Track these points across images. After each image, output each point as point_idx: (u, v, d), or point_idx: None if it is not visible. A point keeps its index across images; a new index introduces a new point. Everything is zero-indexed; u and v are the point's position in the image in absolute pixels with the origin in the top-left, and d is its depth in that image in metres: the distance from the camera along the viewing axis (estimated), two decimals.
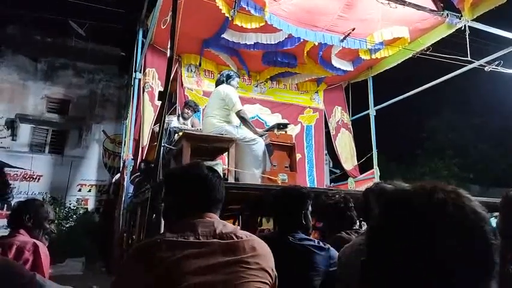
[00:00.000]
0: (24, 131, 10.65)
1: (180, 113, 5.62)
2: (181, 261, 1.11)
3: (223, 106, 4.50)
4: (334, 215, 2.34)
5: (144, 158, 6.08)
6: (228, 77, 4.76)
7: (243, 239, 1.23)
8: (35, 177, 10.32)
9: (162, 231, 2.94)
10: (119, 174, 8.06)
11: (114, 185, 8.88)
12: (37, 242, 1.96)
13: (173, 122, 5.30)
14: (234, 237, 1.22)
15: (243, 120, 4.58)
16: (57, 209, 9.43)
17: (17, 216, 2.07)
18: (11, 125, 10.44)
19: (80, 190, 10.78)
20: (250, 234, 1.30)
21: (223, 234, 1.22)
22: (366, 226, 2.31)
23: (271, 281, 1.23)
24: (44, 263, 1.91)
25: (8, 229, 2.09)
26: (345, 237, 2.12)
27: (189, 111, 5.51)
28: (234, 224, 4.43)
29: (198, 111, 5.87)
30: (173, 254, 1.11)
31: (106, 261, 7.68)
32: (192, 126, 5.52)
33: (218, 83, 4.82)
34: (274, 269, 1.26)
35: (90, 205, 10.75)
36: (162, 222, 2.97)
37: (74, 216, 9.88)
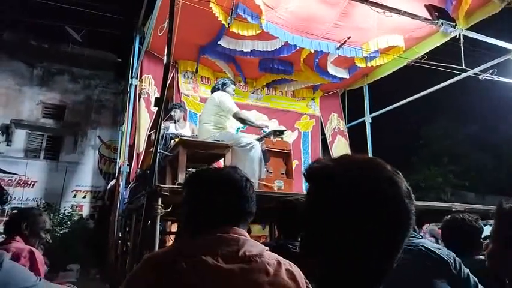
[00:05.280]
0: (19, 136, 10.59)
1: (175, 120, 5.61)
2: None
3: (218, 112, 4.54)
4: None
5: (140, 164, 6.06)
6: (223, 84, 4.82)
7: (267, 265, 1.05)
8: (29, 183, 10.24)
9: (157, 239, 2.91)
10: (114, 181, 8.01)
11: (109, 191, 8.82)
12: (33, 248, 1.95)
13: (170, 127, 5.29)
14: (258, 261, 1.05)
15: (242, 120, 4.62)
16: (52, 215, 9.35)
17: (14, 223, 2.06)
18: (6, 131, 10.38)
19: (74, 196, 10.71)
20: (279, 258, 1.12)
21: (248, 256, 1.05)
22: None
23: None
24: (41, 271, 1.90)
25: (4, 236, 2.08)
26: None
27: (177, 112, 5.52)
28: None
29: (181, 107, 5.86)
30: (188, 279, 0.98)
31: (100, 268, 7.60)
32: (192, 132, 5.52)
33: (214, 90, 4.89)
34: None
35: (85, 211, 10.68)
36: (157, 229, 2.96)
37: (69, 222, 9.80)
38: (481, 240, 2.26)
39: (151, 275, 1.00)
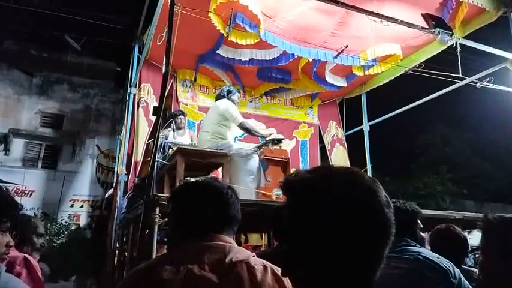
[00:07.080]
0: (17, 145, 10.58)
1: (174, 127, 5.60)
2: None
3: (220, 121, 4.51)
4: None
5: (138, 173, 6.03)
6: (229, 92, 4.80)
7: (253, 270, 1.06)
8: (27, 192, 10.20)
9: (154, 249, 2.89)
10: (111, 190, 7.98)
11: (106, 200, 8.78)
12: (27, 256, 1.94)
13: (169, 136, 5.29)
14: (245, 267, 1.06)
15: (247, 130, 4.63)
16: (49, 225, 9.30)
17: None
18: (4, 140, 10.37)
19: (72, 206, 10.65)
20: (266, 262, 1.12)
21: (234, 263, 1.06)
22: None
23: None
24: (39, 276, 1.89)
25: None
26: None
27: (182, 119, 5.53)
28: None
29: (185, 114, 5.89)
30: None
31: (97, 279, 7.53)
32: (191, 140, 5.51)
33: (218, 97, 4.84)
34: None
35: (82, 221, 10.62)
36: (155, 239, 2.93)
37: (66, 232, 9.74)
38: (466, 251, 2.29)
39: (138, 285, 1.02)
